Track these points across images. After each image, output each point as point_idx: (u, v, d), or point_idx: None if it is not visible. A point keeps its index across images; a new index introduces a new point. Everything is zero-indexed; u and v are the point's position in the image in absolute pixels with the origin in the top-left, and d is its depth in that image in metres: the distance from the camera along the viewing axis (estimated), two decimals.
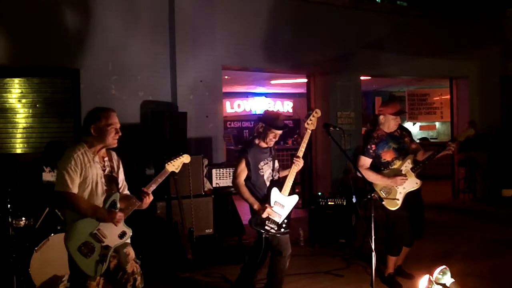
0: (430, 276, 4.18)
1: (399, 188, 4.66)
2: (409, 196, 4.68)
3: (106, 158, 3.42)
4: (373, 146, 4.76)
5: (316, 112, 4.25)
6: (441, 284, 4.18)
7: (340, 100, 9.33)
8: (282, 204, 4.16)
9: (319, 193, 6.91)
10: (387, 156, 4.75)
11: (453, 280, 4.25)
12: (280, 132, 4.24)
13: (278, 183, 4.24)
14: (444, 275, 4.24)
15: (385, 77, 11.08)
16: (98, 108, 3.44)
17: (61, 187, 3.19)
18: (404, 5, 10.71)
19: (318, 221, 6.55)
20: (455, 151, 10.01)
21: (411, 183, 4.68)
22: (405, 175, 4.66)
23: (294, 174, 4.20)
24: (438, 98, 14.84)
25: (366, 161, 4.77)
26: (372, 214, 3.92)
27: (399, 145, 4.79)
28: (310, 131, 4.23)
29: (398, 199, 4.64)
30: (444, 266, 4.30)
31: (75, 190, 3.21)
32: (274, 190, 4.16)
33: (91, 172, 3.26)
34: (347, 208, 6.44)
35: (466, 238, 6.83)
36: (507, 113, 10.90)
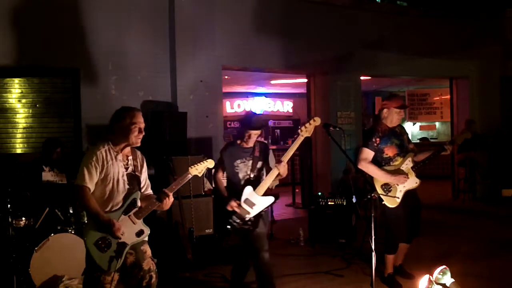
0: (430, 276, 4.18)
1: (399, 186, 4.65)
2: (407, 195, 4.68)
3: (130, 157, 3.49)
4: (377, 139, 4.73)
5: (314, 120, 4.15)
6: (441, 284, 4.18)
7: (340, 100, 9.33)
8: (253, 202, 4.17)
9: (319, 193, 6.91)
10: (389, 151, 4.73)
11: (453, 280, 4.25)
12: (255, 132, 4.28)
13: (256, 183, 4.26)
14: (444, 275, 4.25)
15: (385, 77, 11.08)
16: (124, 108, 3.50)
17: (78, 180, 3.28)
18: (404, 5, 10.71)
19: (318, 221, 6.55)
20: (455, 151, 10.04)
21: (411, 182, 4.68)
22: (406, 174, 4.67)
23: (273, 176, 4.16)
24: (438, 98, 14.84)
25: (369, 154, 4.73)
26: (372, 214, 3.92)
27: (400, 142, 4.78)
28: (302, 138, 4.15)
29: (398, 197, 4.63)
30: (444, 266, 4.30)
31: (90, 185, 3.29)
32: (248, 188, 4.22)
33: (112, 169, 3.34)
34: (347, 208, 6.44)
35: (466, 238, 6.83)
36: (507, 113, 10.90)
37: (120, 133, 3.39)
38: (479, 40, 10.55)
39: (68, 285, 4.59)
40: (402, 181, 4.63)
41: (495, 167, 9.96)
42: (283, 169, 4.10)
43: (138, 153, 3.58)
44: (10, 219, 4.66)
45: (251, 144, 4.35)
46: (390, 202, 4.65)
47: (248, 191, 4.21)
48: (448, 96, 12.01)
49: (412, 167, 4.70)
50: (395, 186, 4.66)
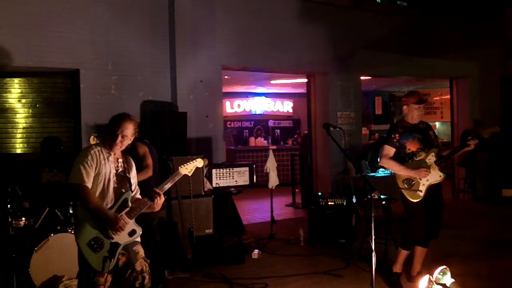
0: (430, 276, 4.19)
1: (422, 180, 4.61)
2: (430, 192, 4.63)
3: (121, 160, 3.57)
4: (397, 135, 4.73)
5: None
6: (441, 284, 4.19)
7: (340, 100, 9.32)
8: None
9: (319, 193, 6.91)
10: (412, 146, 4.71)
11: (453, 280, 4.26)
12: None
13: None
14: (444, 275, 4.26)
15: (385, 77, 11.08)
16: (117, 115, 3.57)
17: (76, 179, 3.33)
18: (404, 5, 10.70)
19: (318, 221, 6.55)
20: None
21: (435, 176, 4.63)
22: (428, 168, 4.63)
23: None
24: (438, 98, 14.84)
25: (390, 150, 4.74)
26: (372, 214, 3.92)
27: (424, 136, 4.75)
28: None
29: (421, 191, 4.59)
30: (444, 266, 4.32)
31: (89, 183, 3.35)
32: None
33: (104, 169, 3.41)
34: (347, 208, 6.43)
35: (466, 238, 6.83)
36: (507, 113, 10.89)
37: (107, 137, 3.51)
38: (479, 40, 10.54)
39: (68, 285, 4.59)
40: (424, 175, 4.59)
41: (495, 167, 9.94)
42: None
43: (129, 157, 3.67)
44: (10, 219, 4.66)
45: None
46: (413, 196, 4.60)
47: None
48: (448, 96, 12.00)
49: (435, 162, 4.65)
50: (418, 180, 4.62)
